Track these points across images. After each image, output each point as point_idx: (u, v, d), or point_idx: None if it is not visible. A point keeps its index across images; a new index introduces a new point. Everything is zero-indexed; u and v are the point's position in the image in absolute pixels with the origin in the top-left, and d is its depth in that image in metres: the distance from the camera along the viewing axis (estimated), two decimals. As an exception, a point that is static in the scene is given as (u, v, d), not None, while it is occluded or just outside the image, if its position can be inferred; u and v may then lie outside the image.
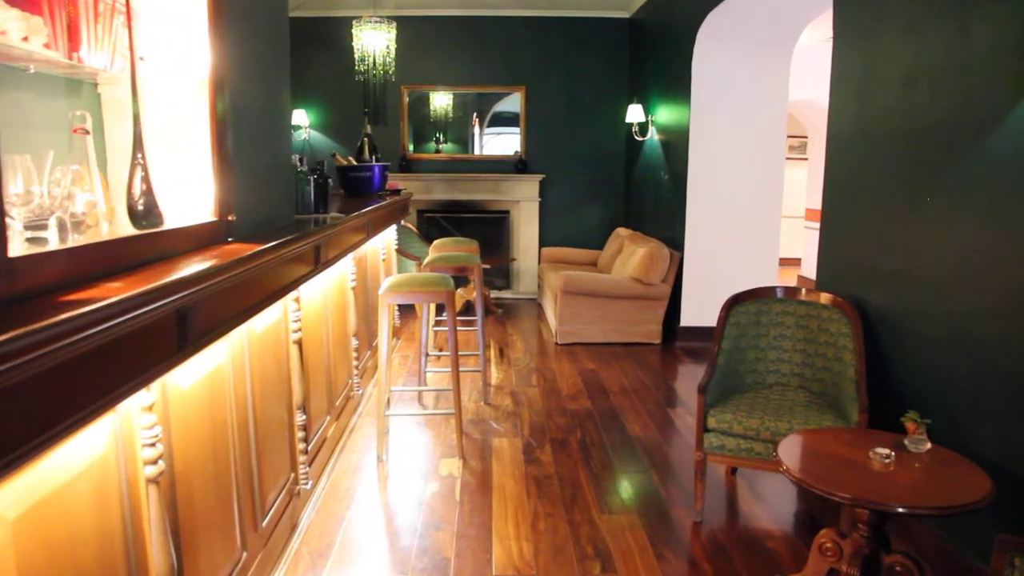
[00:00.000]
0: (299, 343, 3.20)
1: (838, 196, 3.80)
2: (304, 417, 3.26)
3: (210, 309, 1.88)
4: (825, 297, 3.60)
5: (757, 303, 3.76)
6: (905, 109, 3.13)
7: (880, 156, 3.37)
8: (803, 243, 10.15)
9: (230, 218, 2.36)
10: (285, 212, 3.15)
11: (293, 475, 3.20)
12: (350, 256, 4.42)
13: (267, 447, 2.80)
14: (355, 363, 4.64)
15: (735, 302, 3.71)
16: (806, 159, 10.82)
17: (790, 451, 2.69)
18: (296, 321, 3.14)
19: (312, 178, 3.52)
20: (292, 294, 3.07)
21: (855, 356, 3.35)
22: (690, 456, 4.11)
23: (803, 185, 10.47)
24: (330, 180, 3.64)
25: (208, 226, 2.27)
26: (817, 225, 9.61)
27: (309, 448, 3.44)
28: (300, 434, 3.25)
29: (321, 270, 3.21)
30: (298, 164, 3.48)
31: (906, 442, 2.64)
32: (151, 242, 1.95)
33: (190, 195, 2.33)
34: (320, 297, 3.74)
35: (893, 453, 2.54)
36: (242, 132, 2.52)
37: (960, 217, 2.83)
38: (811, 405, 3.43)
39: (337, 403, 4.12)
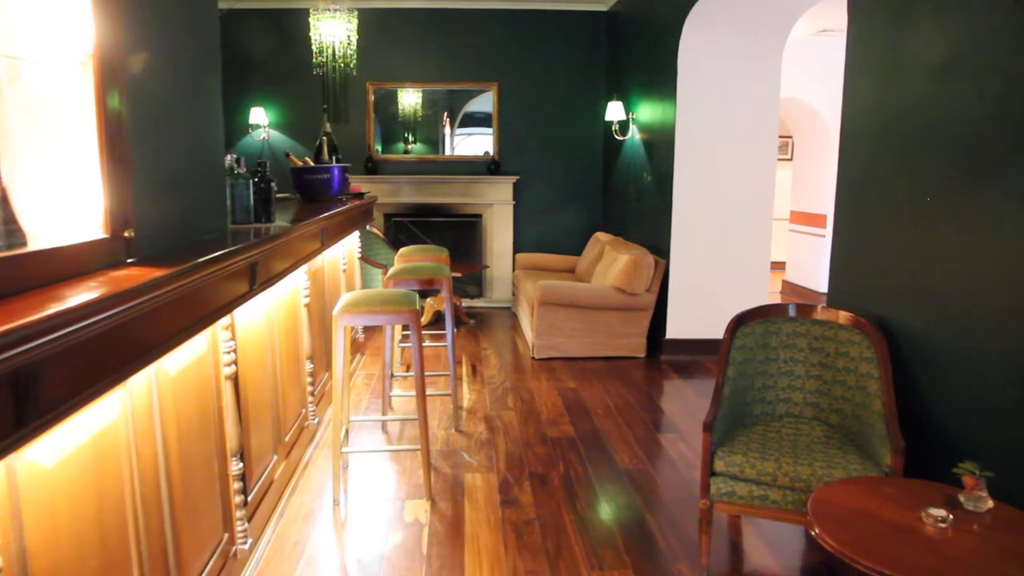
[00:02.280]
0: (234, 378, 2.68)
1: (854, 201, 3.36)
2: (241, 465, 2.74)
3: (74, 365, 1.37)
4: (844, 316, 3.16)
5: (765, 322, 3.31)
6: (945, 101, 2.70)
7: (910, 155, 2.93)
8: (788, 247, 9.78)
9: (127, 234, 1.85)
10: (215, 223, 2.64)
11: (227, 535, 2.68)
12: (303, 269, 3.91)
13: (189, 511, 2.29)
14: (310, 389, 4.12)
15: (740, 322, 3.26)
16: (789, 159, 10.46)
17: (824, 511, 2.24)
18: (229, 353, 2.62)
19: (252, 182, 3.00)
20: (223, 321, 2.56)
21: (881, 386, 2.91)
22: (688, 494, 3.66)
23: (787, 187, 10.09)
24: (274, 184, 3.12)
25: (96, 246, 1.76)
26: (802, 228, 9.30)
27: (249, 499, 2.92)
28: (237, 485, 2.74)
29: (261, 290, 2.70)
30: (235, 166, 2.97)
31: (962, 499, 2.20)
32: (3, 270, 1.44)
33: (77, 206, 1.82)
34: (263, 319, 3.23)
35: (951, 516, 2.10)
36: (148, 127, 2.01)
37: (1019, 225, 2.39)
38: (830, 442, 2.98)
39: (287, 438, 3.61)
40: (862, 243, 3.30)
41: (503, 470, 3.94)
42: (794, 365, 3.30)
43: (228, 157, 2.99)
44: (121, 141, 1.82)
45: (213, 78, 2.59)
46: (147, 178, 1.98)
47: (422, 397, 3.49)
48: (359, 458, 4.02)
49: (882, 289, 3.14)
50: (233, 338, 2.67)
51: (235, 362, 2.68)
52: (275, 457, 3.38)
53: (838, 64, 8.11)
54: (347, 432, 3.90)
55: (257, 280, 2.60)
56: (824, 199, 8.73)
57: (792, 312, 3.31)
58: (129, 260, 1.88)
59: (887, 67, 3.09)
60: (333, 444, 3.45)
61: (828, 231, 8.71)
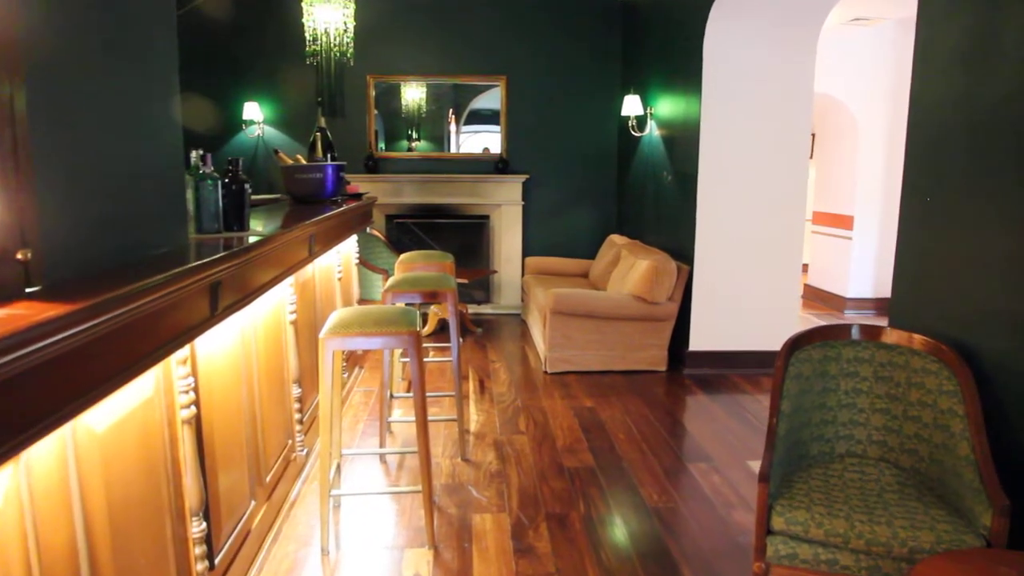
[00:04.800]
0: (194, 421, 2.22)
1: (925, 207, 2.88)
2: (204, 525, 2.28)
3: None
4: (918, 341, 2.68)
5: (823, 346, 2.84)
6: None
7: (1002, 152, 2.45)
8: (810, 249, 9.27)
9: (21, 256, 1.39)
10: (168, 234, 2.18)
11: (187, 610, 2.22)
12: (288, 281, 3.45)
13: (128, 596, 1.83)
14: (297, 416, 3.66)
15: (795, 346, 2.78)
16: (810, 157, 9.95)
17: (927, 600, 1.76)
18: (187, 392, 2.16)
19: (221, 183, 2.54)
20: (179, 354, 2.10)
21: (969, 426, 2.44)
22: (729, 541, 3.20)
23: (809, 186, 9.57)
24: (248, 185, 2.66)
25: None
26: (826, 230, 8.80)
27: (216, 561, 2.46)
28: (199, 549, 2.28)
29: (228, 314, 2.25)
30: (200, 164, 2.51)
31: (1109, 589, 1.73)
32: None
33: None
34: (238, 342, 2.77)
35: (1104, 617, 1.63)
36: (59, 115, 1.55)
37: None
38: (906, 491, 2.51)
39: (268, 478, 3.14)
40: (935, 253, 2.82)
41: (516, 509, 3.48)
42: (857, 396, 2.83)
43: (193, 154, 2.53)
44: (13, 135, 1.36)
45: (165, 52, 2.13)
46: (57, 182, 1.52)
47: (423, 430, 3.03)
48: (353, 497, 3.55)
49: (963, 308, 2.66)
50: (193, 373, 2.21)
51: (195, 402, 2.22)
52: (252, 503, 2.92)
53: (871, 55, 7.67)
54: (338, 467, 3.44)
55: (221, 303, 2.14)
56: (851, 199, 8.24)
57: (855, 334, 2.83)
58: (30, 290, 1.42)
59: (971, 52, 2.61)
60: (321, 486, 2.99)
61: (855, 233, 8.22)
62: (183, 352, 2.12)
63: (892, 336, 2.77)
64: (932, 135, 2.84)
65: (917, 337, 2.69)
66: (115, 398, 1.71)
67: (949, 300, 2.74)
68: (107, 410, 1.72)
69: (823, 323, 7.67)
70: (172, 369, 2.10)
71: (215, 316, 2.11)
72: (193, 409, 2.19)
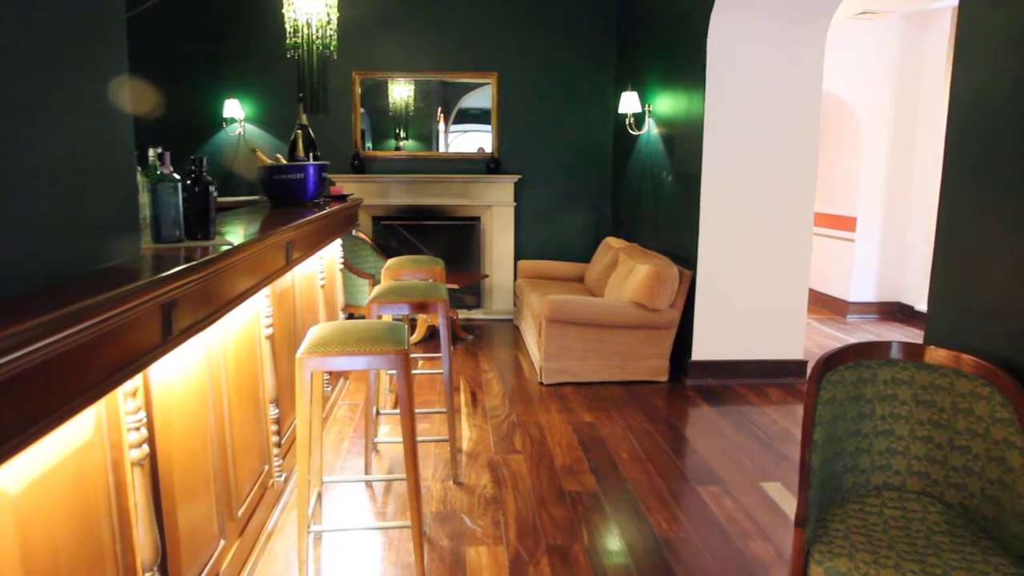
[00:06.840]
0: (147, 462, 1.91)
1: (969, 206, 2.61)
2: (159, 581, 1.97)
3: None
4: (967, 362, 2.40)
5: (856, 367, 2.55)
6: None
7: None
8: (811, 251, 9.00)
9: None
10: (118, 244, 1.87)
11: None
12: (263, 292, 3.14)
13: None
14: (275, 439, 3.35)
15: (827, 367, 2.50)
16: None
17: None
18: (138, 429, 1.85)
19: (181, 185, 2.23)
20: (128, 385, 1.79)
21: (1030, 460, 2.16)
22: (750, 580, 2.91)
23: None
24: (213, 187, 2.35)
25: None
26: (827, 232, 8.55)
27: (176, 618, 2.15)
28: (154, 607, 1.97)
29: (186, 338, 1.94)
30: (158, 163, 2.19)
31: None
32: None
33: None
34: (203, 363, 2.45)
35: None
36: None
37: None
38: (957, 532, 2.23)
39: (240, 512, 2.83)
40: (983, 260, 2.55)
41: (514, 541, 3.18)
42: (895, 422, 2.55)
43: (150, 152, 2.22)
44: None
45: (110, 27, 1.81)
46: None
47: (412, 458, 2.72)
48: (335, 525, 3.25)
49: (1019, 323, 2.39)
50: (146, 406, 1.90)
51: (149, 440, 1.91)
52: (222, 542, 2.60)
53: (874, 52, 7.41)
54: (320, 496, 3.13)
55: (176, 325, 1.83)
56: (853, 200, 8.00)
57: (895, 352, 2.55)
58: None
59: (1028, 33, 2.34)
60: (299, 521, 2.68)
61: (857, 235, 7.98)
62: (133, 383, 1.81)
63: (936, 355, 2.49)
64: (979, 129, 2.56)
65: (965, 357, 2.41)
66: (37, 448, 1.41)
67: (1000, 314, 2.46)
68: (26, 464, 1.41)
69: (827, 328, 7.43)
70: (119, 403, 1.79)
71: (169, 342, 1.81)
72: (145, 448, 1.88)
